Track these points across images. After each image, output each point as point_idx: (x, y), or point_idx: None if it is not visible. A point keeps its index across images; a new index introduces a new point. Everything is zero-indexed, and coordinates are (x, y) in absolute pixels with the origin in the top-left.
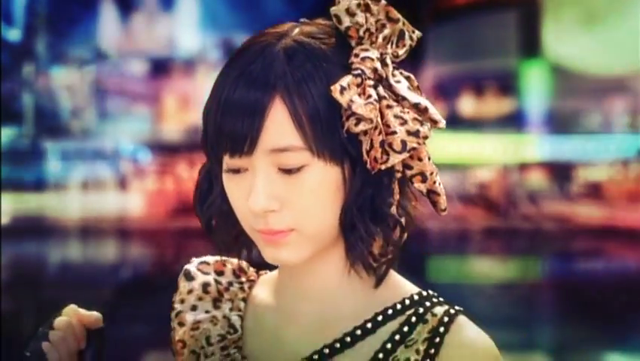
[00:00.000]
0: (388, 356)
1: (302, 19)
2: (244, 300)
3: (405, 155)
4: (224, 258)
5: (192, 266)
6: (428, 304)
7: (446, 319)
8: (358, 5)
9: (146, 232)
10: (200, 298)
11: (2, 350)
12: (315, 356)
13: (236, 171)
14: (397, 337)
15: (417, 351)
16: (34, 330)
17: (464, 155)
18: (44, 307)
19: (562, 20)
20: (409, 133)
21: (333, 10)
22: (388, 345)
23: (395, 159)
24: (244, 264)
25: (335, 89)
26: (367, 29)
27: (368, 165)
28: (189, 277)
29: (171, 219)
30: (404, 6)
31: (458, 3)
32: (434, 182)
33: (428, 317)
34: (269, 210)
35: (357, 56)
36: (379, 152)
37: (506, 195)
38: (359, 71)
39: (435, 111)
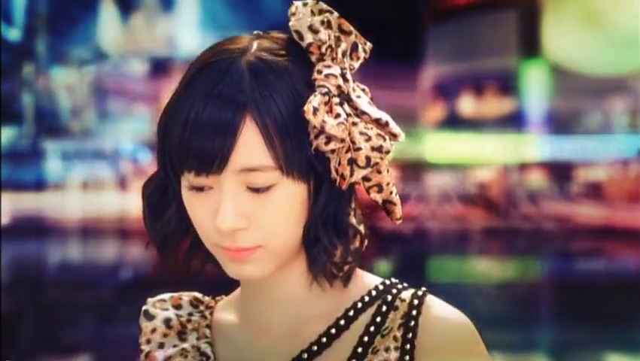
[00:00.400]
0: (367, 348)
1: (256, 32)
2: (208, 327)
3: (368, 170)
4: (178, 293)
5: (149, 306)
6: (394, 291)
7: (416, 301)
8: (322, 22)
9: (146, 232)
10: (165, 335)
11: (2, 350)
12: None
13: (200, 189)
14: (371, 328)
15: (395, 338)
16: (34, 330)
17: (464, 155)
18: (44, 307)
19: (562, 20)
20: (373, 149)
21: (294, 25)
22: (365, 338)
23: (359, 175)
24: (198, 294)
25: (308, 110)
26: (329, 46)
27: (335, 182)
28: (149, 316)
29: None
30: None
31: (458, 3)
32: (391, 192)
33: (397, 303)
34: (237, 229)
35: (320, 72)
36: (347, 169)
37: (506, 195)
38: (326, 90)
39: (395, 125)
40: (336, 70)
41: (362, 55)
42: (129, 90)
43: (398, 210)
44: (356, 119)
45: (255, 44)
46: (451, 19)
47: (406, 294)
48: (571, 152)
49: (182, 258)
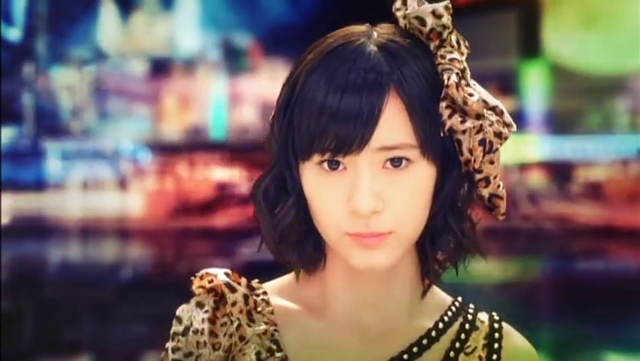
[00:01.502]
0: None
1: (366, 24)
2: (272, 313)
3: (491, 156)
4: (231, 271)
5: (225, 278)
6: (470, 310)
7: (496, 325)
8: (446, 8)
9: (146, 232)
10: (241, 311)
11: (2, 350)
12: None
13: (331, 170)
14: (456, 344)
15: (480, 358)
16: (34, 330)
17: None
18: (44, 307)
19: (562, 20)
20: (494, 134)
21: (415, 12)
22: (451, 353)
23: (484, 160)
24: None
25: (451, 85)
26: (450, 32)
27: (464, 165)
28: (231, 288)
29: (171, 219)
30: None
31: (458, 3)
32: (498, 185)
33: (478, 323)
34: (374, 211)
35: (443, 57)
36: (479, 150)
37: (506, 195)
38: (456, 71)
39: (508, 115)
40: (457, 55)
41: (465, 50)
42: (129, 90)
43: (503, 205)
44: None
45: (375, 31)
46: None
47: (483, 316)
48: (571, 152)
49: (299, 253)
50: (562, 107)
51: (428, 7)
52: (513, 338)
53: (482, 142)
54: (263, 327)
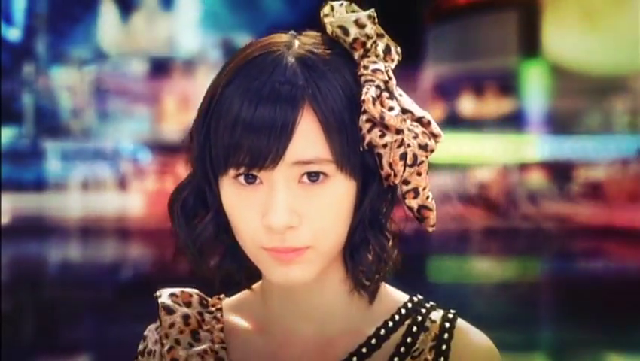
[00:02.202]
0: None
1: (291, 31)
2: (222, 330)
3: (415, 169)
4: (186, 289)
5: (167, 300)
6: (423, 310)
7: (447, 325)
8: (369, 17)
9: (146, 232)
10: (182, 332)
11: (2, 350)
12: None
13: (247, 184)
14: (402, 349)
15: None
16: (34, 330)
17: (464, 155)
18: (44, 307)
19: (562, 20)
20: (420, 147)
21: (338, 21)
22: (395, 359)
23: (407, 173)
24: (200, 292)
25: (368, 100)
26: (375, 41)
27: (385, 180)
28: (169, 310)
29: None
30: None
31: (458, 3)
32: (427, 197)
33: (428, 324)
34: (289, 227)
35: (366, 68)
36: (400, 164)
37: (506, 195)
38: (377, 83)
39: (436, 125)
40: (381, 66)
41: (395, 57)
42: (129, 90)
43: (433, 217)
44: (403, 116)
45: (297, 40)
46: (451, 19)
47: (436, 315)
48: (571, 152)
49: (216, 267)
50: (562, 107)
51: (352, 16)
52: (465, 337)
53: (403, 156)
54: (202, 347)
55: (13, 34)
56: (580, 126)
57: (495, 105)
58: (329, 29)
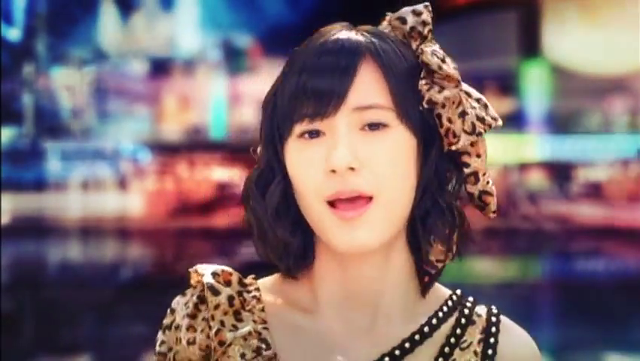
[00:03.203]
0: (447, 359)
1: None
2: (262, 310)
3: (474, 138)
4: (225, 268)
5: (211, 279)
6: (468, 304)
7: (493, 319)
8: (425, 6)
9: (146, 232)
10: (225, 313)
11: (2, 350)
12: None
13: (311, 135)
14: (452, 340)
15: (475, 353)
16: (34, 330)
17: None
18: (44, 307)
19: (562, 20)
20: (477, 117)
21: (395, 14)
22: (446, 349)
23: (467, 140)
24: (236, 272)
25: (425, 52)
26: (430, 29)
27: (445, 138)
28: (214, 291)
29: (171, 219)
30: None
31: (458, 3)
32: (487, 182)
33: (475, 317)
34: (350, 168)
35: (423, 52)
36: (458, 123)
37: (506, 195)
38: (436, 49)
39: (493, 110)
40: (439, 49)
41: (441, 52)
42: (129, 90)
43: (494, 203)
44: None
45: (359, 27)
46: (451, 19)
47: (482, 310)
48: (571, 152)
49: (287, 249)
50: (562, 107)
51: (409, 7)
52: (512, 332)
53: (462, 114)
54: (246, 329)
55: (13, 34)
56: (580, 126)
57: (495, 105)
58: (384, 26)
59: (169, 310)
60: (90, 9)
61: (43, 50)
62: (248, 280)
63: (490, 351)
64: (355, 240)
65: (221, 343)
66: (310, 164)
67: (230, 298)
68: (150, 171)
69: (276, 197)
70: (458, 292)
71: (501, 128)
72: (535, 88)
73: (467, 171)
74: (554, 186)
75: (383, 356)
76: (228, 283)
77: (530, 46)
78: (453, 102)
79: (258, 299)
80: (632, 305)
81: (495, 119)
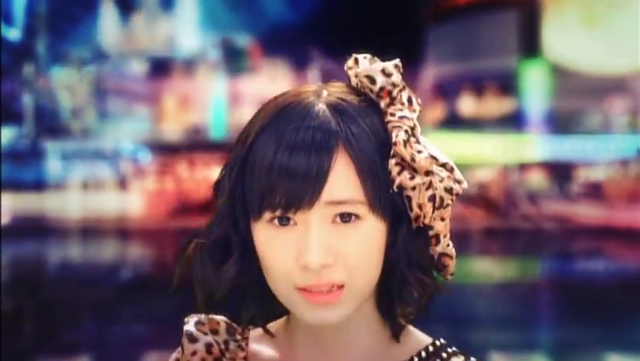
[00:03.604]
0: None
1: (318, 83)
2: (245, 359)
3: (441, 211)
4: (214, 317)
5: (192, 327)
6: (444, 355)
7: None
8: (395, 66)
9: (146, 232)
10: (203, 360)
11: (2, 350)
12: None
13: (283, 222)
14: None
15: None
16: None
17: (464, 155)
18: (44, 307)
19: (562, 20)
20: (445, 190)
21: (365, 71)
22: None
23: (435, 217)
24: (227, 320)
25: (399, 142)
26: (401, 89)
27: (415, 221)
28: (192, 338)
29: (171, 219)
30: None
31: (458, 3)
32: (447, 244)
33: None
34: (324, 265)
35: (393, 115)
36: (429, 207)
37: (506, 195)
38: (405, 128)
39: (459, 172)
40: (407, 113)
41: (417, 108)
42: (129, 90)
43: (452, 265)
44: (431, 159)
45: (325, 90)
46: (451, 19)
47: (458, 359)
48: (571, 152)
49: (241, 313)
50: (562, 107)
51: (379, 65)
52: None
53: (431, 198)
54: None
55: (13, 34)
56: (580, 126)
57: (495, 105)
58: (354, 81)
59: None
60: (90, 9)
61: (43, 50)
62: (240, 328)
63: None
64: (325, 320)
65: None
66: (281, 253)
67: (208, 346)
68: (150, 171)
69: (231, 275)
70: (440, 341)
71: (501, 128)
72: (535, 88)
73: (430, 233)
74: (554, 186)
75: None
76: (214, 332)
77: (530, 46)
78: (424, 184)
79: (242, 348)
80: (632, 305)
81: (460, 182)
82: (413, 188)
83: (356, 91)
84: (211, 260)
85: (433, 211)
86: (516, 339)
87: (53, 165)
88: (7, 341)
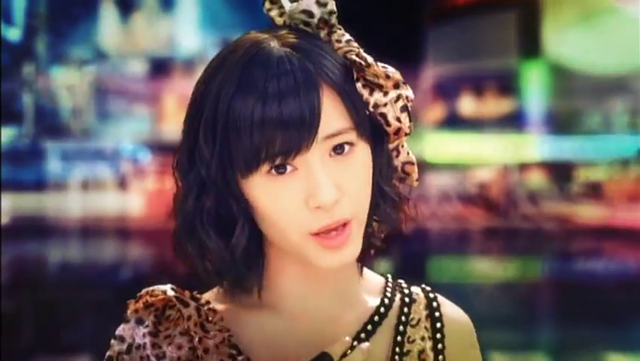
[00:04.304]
0: (404, 338)
1: (252, 30)
2: (222, 319)
3: (411, 122)
4: (175, 286)
5: (174, 293)
6: (404, 285)
7: (431, 295)
8: None
9: (146, 232)
10: (196, 324)
11: (2, 350)
12: (348, 352)
13: (280, 170)
14: (402, 318)
15: (426, 328)
16: (34, 330)
17: (464, 155)
18: (44, 307)
19: (562, 20)
20: (407, 99)
21: (300, 6)
22: (400, 328)
23: (408, 129)
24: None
25: (371, 63)
26: (336, 16)
27: (395, 135)
28: (184, 303)
29: (171, 219)
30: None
31: (458, 3)
32: (407, 153)
33: (415, 296)
34: (336, 200)
35: (339, 41)
36: (403, 116)
37: (506, 195)
38: (357, 51)
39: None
40: (348, 35)
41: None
42: (129, 90)
43: (415, 171)
44: None
45: (270, 34)
46: (451, 20)
47: (416, 289)
48: (571, 152)
49: (245, 269)
50: (562, 107)
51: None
52: (449, 305)
53: (404, 108)
54: (219, 337)
55: (13, 34)
56: (580, 126)
57: (495, 105)
58: (279, 21)
59: (117, 340)
60: (90, 9)
61: (43, 50)
62: (196, 294)
63: (439, 324)
64: (341, 260)
65: (206, 350)
66: (287, 201)
67: (197, 309)
68: (150, 171)
69: (243, 241)
70: (389, 276)
71: (501, 128)
72: (535, 88)
73: (390, 147)
74: (554, 186)
75: (353, 339)
76: (192, 299)
77: (530, 46)
78: (394, 99)
79: (214, 310)
80: (632, 305)
81: (407, 89)
82: (386, 104)
83: (292, 28)
84: (217, 231)
85: (410, 120)
86: (516, 339)
87: (53, 165)
88: (7, 341)
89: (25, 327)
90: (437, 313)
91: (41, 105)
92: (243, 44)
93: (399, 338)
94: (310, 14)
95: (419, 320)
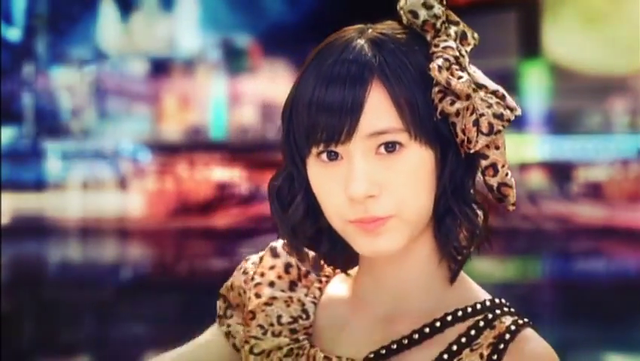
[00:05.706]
0: (453, 358)
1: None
2: (320, 290)
3: (492, 137)
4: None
5: (278, 244)
6: (498, 311)
7: (513, 327)
8: None
9: (146, 232)
10: (280, 277)
11: (2, 350)
12: (383, 351)
13: (331, 156)
14: (463, 339)
15: (481, 355)
16: (34, 330)
17: None
18: (44, 307)
19: (562, 20)
20: (494, 115)
21: (408, 6)
22: (454, 347)
23: (483, 141)
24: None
25: (433, 68)
26: (444, 21)
27: (461, 147)
28: (274, 253)
29: (171, 219)
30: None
31: (458, 3)
32: (506, 174)
33: (496, 323)
34: (369, 196)
35: (437, 46)
36: (473, 131)
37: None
38: (446, 57)
39: (511, 99)
40: (452, 44)
41: (472, 41)
42: (129, 90)
43: (513, 195)
44: (476, 87)
45: (371, 28)
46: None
47: (508, 318)
48: (571, 152)
49: (311, 245)
50: (562, 107)
51: (416, 0)
52: (527, 344)
53: (475, 122)
54: (287, 294)
55: (13, 34)
56: (580, 126)
57: None
58: (404, 18)
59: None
60: (90, 9)
61: (43, 50)
62: (328, 269)
63: (495, 356)
64: (377, 247)
65: (257, 295)
66: (331, 188)
67: (287, 265)
68: (150, 171)
69: (299, 214)
70: (499, 300)
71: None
72: (535, 88)
73: (485, 163)
74: (554, 186)
75: (393, 342)
76: (301, 260)
77: (530, 46)
78: (467, 109)
79: (320, 281)
80: (632, 305)
81: (513, 109)
82: (457, 114)
83: (405, 27)
84: (281, 204)
85: (477, 135)
86: None
87: (53, 165)
88: (7, 341)
89: (25, 327)
90: (501, 346)
91: (41, 105)
92: (336, 33)
93: (445, 355)
94: (415, 15)
95: (480, 346)
